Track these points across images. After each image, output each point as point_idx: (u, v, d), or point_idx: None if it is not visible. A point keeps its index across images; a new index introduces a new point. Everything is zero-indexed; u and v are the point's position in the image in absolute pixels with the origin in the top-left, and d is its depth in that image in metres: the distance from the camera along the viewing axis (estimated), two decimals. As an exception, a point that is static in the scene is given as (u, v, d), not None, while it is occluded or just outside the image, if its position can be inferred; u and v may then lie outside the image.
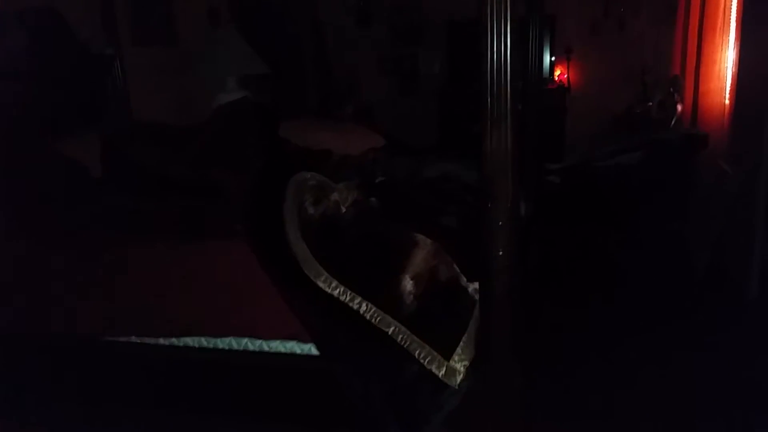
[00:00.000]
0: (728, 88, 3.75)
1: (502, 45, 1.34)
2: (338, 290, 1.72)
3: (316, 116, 4.72)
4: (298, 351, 1.91)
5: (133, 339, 2.10)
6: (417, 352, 1.64)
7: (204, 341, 2.03)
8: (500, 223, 1.42)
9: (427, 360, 1.63)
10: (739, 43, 3.48)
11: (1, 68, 2.63)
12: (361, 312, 1.69)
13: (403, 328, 1.66)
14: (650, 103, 4.95)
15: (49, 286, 2.17)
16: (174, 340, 2.06)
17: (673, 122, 4.39)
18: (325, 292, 1.72)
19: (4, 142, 2.44)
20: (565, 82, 5.82)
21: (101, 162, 2.63)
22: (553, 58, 5.72)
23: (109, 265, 2.12)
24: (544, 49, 5.32)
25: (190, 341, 2.05)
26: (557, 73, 5.86)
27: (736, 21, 3.61)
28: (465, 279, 1.79)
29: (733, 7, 3.71)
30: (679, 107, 4.39)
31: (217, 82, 3.81)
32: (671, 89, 4.54)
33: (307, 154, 2.71)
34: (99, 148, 2.63)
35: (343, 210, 1.92)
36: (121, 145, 2.61)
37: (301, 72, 6.03)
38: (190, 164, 2.38)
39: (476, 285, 1.69)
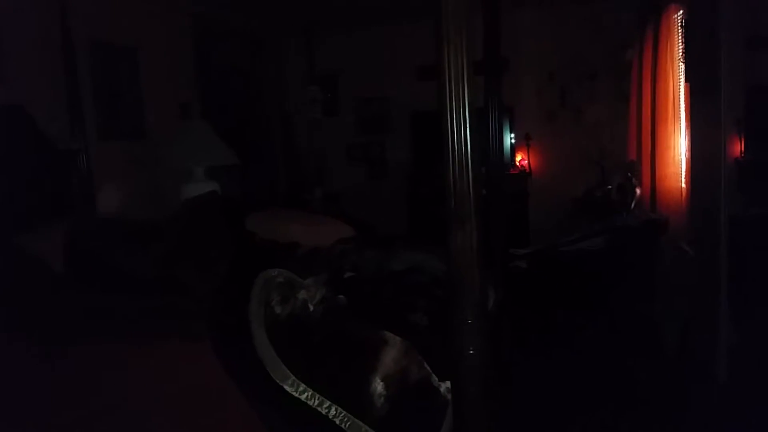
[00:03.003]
0: (684, 173, 3.91)
1: (462, 137, 1.37)
2: (306, 394, 1.65)
3: (284, 207, 4.73)
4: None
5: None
6: (390, 457, 1.57)
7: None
8: (469, 321, 1.41)
9: (400, 466, 1.56)
10: (689, 130, 3.65)
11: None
12: (331, 416, 1.63)
13: (375, 433, 1.60)
14: (609, 187, 5.10)
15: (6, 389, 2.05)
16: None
17: (633, 205, 4.52)
18: (293, 397, 1.66)
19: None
20: (527, 167, 6.00)
21: (64, 258, 2.56)
22: (513, 141, 5.95)
23: (69, 365, 2.03)
24: (504, 135, 5.53)
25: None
26: (518, 158, 6.06)
27: (685, 110, 3.81)
28: (437, 378, 1.75)
29: (681, 96, 3.92)
30: (638, 191, 4.54)
31: (186, 174, 3.81)
32: (629, 174, 4.70)
33: (274, 247, 2.69)
34: (62, 244, 2.57)
35: (311, 309, 1.89)
36: (85, 240, 2.55)
37: (270, 161, 6.12)
38: (156, 261, 2.33)
39: (448, 384, 1.65)
